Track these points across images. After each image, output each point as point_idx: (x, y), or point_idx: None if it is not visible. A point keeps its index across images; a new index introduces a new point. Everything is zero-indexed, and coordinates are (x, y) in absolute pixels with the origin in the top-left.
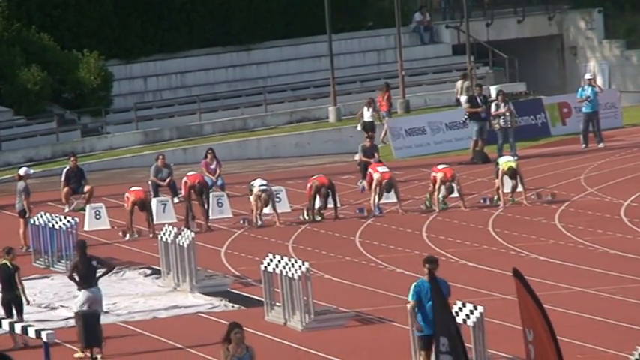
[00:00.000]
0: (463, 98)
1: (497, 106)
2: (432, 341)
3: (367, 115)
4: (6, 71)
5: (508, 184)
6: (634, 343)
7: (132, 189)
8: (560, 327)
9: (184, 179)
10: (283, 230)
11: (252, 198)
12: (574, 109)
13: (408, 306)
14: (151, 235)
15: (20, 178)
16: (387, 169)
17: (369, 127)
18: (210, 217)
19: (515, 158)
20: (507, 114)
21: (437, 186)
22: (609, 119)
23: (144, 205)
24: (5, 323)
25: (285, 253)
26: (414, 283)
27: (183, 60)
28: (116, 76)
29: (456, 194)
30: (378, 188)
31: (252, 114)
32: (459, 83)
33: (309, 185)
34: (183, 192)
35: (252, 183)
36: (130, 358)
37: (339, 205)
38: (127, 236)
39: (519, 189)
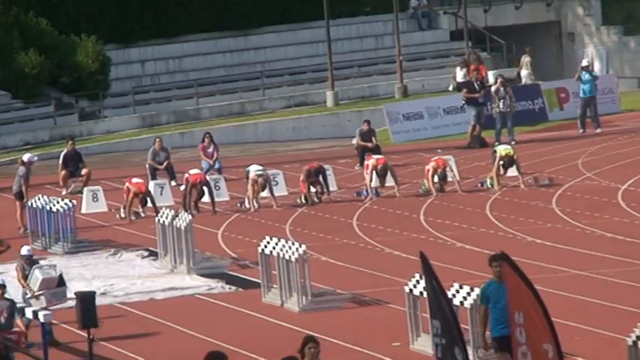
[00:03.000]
0: (524, 72)
1: (498, 90)
2: (508, 342)
3: (460, 75)
4: (4, 55)
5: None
6: (631, 325)
7: (134, 180)
8: (557, 309)
9: (186, 175)
10: (280, 213)
11: (248, 183)
12: (572, 95)
13: (481, 310)
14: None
15: (23, 163)
16: (381, 155)
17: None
18: (207, 200)
19: (513, 143)
20: (507, 97)
21: (430, 174)
22: (607, 104)
23: (145, 200)
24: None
25: (282, 236)
26: (482, 286)
27: (181, 45)
28: (114, 61)
29: (451, 179)
30: (373, 172)
31: (249, 98)
32: (522, 58)
33: (302, 178)
34: (184, 186)
35: (247, 168)
36: (127, 339)
37: (331, 188)
38: (122, 215)
39: (515, 173)
